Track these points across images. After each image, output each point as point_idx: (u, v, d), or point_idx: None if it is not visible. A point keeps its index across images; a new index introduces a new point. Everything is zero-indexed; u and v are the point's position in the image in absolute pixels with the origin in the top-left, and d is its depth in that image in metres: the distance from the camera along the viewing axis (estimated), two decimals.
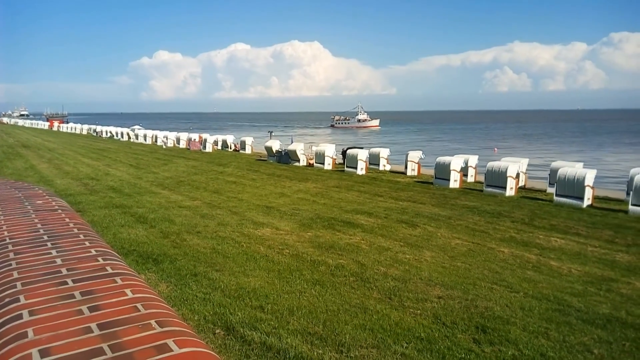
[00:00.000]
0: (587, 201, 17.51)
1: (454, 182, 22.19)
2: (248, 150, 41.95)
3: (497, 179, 20.27)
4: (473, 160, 25.21)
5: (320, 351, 5.98)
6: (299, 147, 32.53)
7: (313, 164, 30.89)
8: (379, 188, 21.52)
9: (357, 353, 5.95)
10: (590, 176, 17.75)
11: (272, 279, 8.72)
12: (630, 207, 16.17)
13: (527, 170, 24.02)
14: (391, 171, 28.68)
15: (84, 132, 76.40)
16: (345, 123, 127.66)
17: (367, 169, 27.80)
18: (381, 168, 29.24)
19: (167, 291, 7.91)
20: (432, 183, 23.01)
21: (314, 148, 32.56)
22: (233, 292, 7.96)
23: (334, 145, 33.68)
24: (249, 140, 43.32)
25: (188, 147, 45.70)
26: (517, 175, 20.95)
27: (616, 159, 45.84)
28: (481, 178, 22.29)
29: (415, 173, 27.06)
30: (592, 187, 18.00)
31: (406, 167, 27.49)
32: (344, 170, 27.94)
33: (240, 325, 6.67)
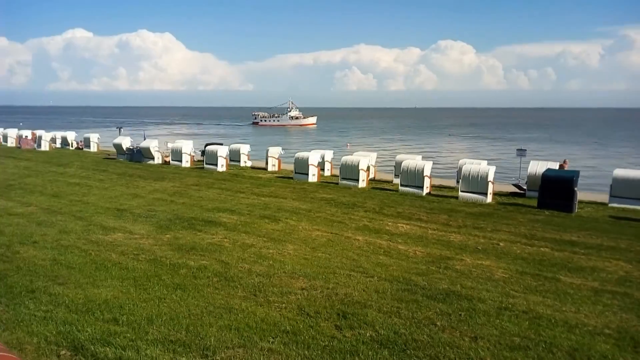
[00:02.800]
0: (426, 189, 19.66)
1: (312, 176, 23.05)
2: (93, 148, 38.12)
3: (351, 172, 21.60)
4: (329, 155, 26.50)
5: (183, 358, 5.71)
6: (152, 144, 30.61)
7: (169, 161, 29.35)
8: (240, 185, 21.33)
9: (223, 355, 5.82)
10: (428, 167, 19.96)
11: (127, 287, 8.06)
12: (460, 194, 18.60)
13: (376, 163, 26.05)
14: (252, 167, 28.66)
15: None
16: (274, 120, 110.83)
17: (228, 165, 27.39)
18: (242, 164, 29.04)
19: None
20: (292, 178, 23.58)
21: (170, 145, 30.96)
22: (80, 307, 7.16)
23: (192, 141, 32.45)
24: (94, 137, 39.35)
25: (18, 145, 39.79)
26: (368, 168, 22.60)
27: (446, 150, 52.34)
28: (337, 172, 23.52)
29: (276, 168, 27.46)
30: (430, 177, 20.28)
31: (267, 163, 27.75)
32: (203, 168, 27.10)
33: (90, 342, 6.03)
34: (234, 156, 29.21)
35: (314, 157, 23.50)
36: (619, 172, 17.72)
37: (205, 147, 29.75)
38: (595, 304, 7.84)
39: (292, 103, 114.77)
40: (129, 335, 6.26)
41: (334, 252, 10.68)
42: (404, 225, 13.68)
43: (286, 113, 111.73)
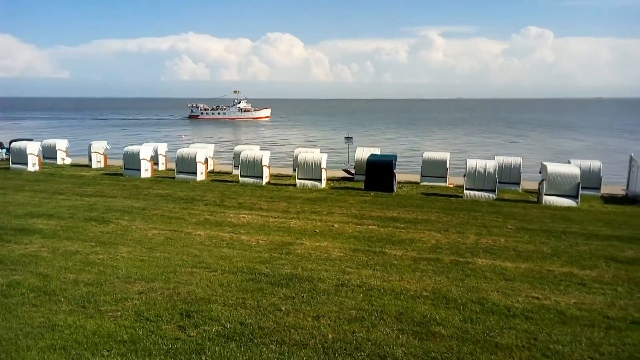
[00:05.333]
0: (265, 179, 20.02)
1: (145, 171, 21.57)
2: None
3: (188, 165, 20.80)
4: (162, 148, 25.06)
5: None
6: None
7: None
8: (59, 185, 18.84)
9: None
10: (266, 157, 20.32)
11: None
12: (297, 181, 19.39)
13: (214, 155, 25.54)
14: (72, 165, 25.56)
15: None
16: (218, 113, 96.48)
17: (41, 164, 23.95)
18: (59, 162, 25.70)
19: None
20: (122, 174, 21.73)
21: None
22: None
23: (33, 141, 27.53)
24: None
25: None
26: (206, 160, 22.03)
27: (282, 139, 53.98)
28: (172, 165, 22.41)
29: (102, 165, 24.97)
30: (269, 167, 20.68)
31: (90, 160, 25.01)
32: (9, 168, 23.19)
33: None
34: (49, 153, 25.71)
35: (145, 150, 21.98)
36: (427, 155, 20.52)
37: (10, 143, 25.55)
38: (415, 271, 8.96)
39: (239, 93, 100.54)
40: None
41: (174, 250, 10.19)
42: (246, 216, 13.72)
43: (234, 105, 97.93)
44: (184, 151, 21.38)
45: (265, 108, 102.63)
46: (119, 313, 6.80)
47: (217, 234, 11.66)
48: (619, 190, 18.68)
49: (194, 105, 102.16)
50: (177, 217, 13.42)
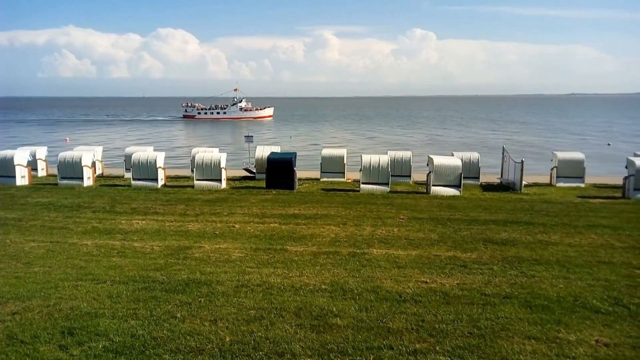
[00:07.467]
0: (161, 182, 19.08)
1: (22, 178, 19.45)
2: None
3: (72, 170, 19.14)
4: (42, 152, 22.77)
5: None
6: None
7: None
8: None
9: None
10: (160, 158, 19.37)
11: None
12: (196, 182, 18.76)
13: (102, 158, 23.78)
14: None
15: None
16: (218, 113, 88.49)
17: None
18: None
19: None
20: None
21: None
22: None
23: None
24: None
25: None
26: (94, 164, 20.45)
27: (177, 139, 51.92)
28: (55, 171, 20.46)
29: None
30: (164, 168, 19.75)
31: None
32: None
33: None
34: None
35: (20, 155, 19.81)
36: (326, 152, 21.06)
37: None
38: (314, 265, 9.14)
39: (238, 92, 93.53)
40: None
41: (56, 263, 9.32)
42: (140, 221, 12.98)
43: (234, 104, 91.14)
44: (67, 154, 19.62)
45: (268, 107, 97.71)
46: None
47: (106, 242, 10.88)
48: (494, 178, 20.71)
49: (189, 104, 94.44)
50: (60, 227, 12.29)
